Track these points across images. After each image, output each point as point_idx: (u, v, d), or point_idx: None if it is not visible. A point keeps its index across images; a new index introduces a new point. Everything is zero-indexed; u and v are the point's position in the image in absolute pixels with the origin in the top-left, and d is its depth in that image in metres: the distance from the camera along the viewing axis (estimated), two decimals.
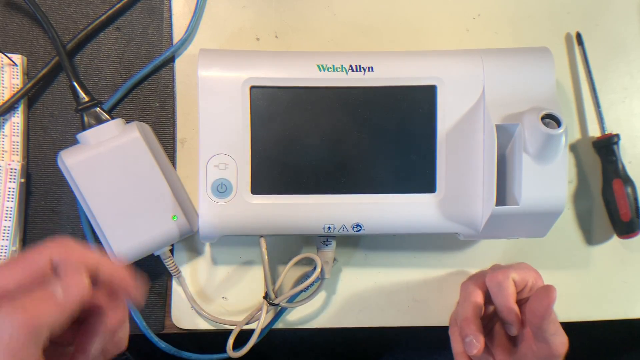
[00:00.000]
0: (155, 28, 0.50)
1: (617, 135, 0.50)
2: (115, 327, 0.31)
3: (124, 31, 0.49)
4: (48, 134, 0.49)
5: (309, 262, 0.49)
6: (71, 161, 0.44)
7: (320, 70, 0.43)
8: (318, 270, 0.46)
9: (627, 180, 0.49)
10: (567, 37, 0.52)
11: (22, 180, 0.47)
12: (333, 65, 0.43)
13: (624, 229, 0.50)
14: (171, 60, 0.50)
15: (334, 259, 0.49)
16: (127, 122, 0.46)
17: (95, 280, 0.30)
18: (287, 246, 0.50)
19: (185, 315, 0.49)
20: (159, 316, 0.49)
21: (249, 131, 0.43)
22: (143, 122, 0.48)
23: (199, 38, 0.50)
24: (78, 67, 0.49)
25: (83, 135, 0.45)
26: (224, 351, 0.47)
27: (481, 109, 0.43)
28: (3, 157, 0.47)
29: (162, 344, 0.48)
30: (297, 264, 0.48)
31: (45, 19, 0.47)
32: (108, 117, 0.46)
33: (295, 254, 0.48)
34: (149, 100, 0.49)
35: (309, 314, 0.51)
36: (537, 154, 0.41)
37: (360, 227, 0.45)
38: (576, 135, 0.52)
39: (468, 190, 0.44)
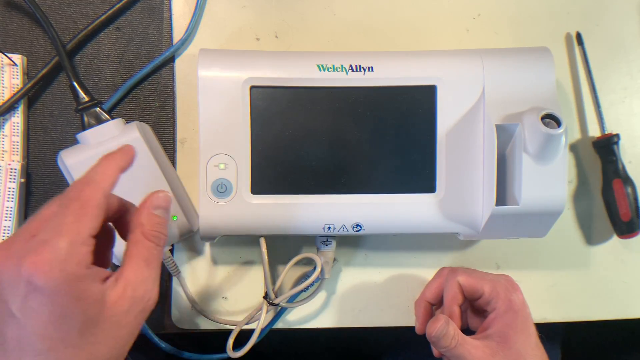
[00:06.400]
0: (155, 28, 0.50)
1: (617, 135, 0.50)
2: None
3: (124, 31, 0.49)
4: (48, 134, 0.49)
5: (309, 262, 0.49)
6: (71, 161, 0.44)
7: (320, 70, 0.43)
8: (318, 270, 0.46)
9: (627, 180, 0.49)
10: (567, 37, 0.52)
11: (22, 180, 0.47)
12: (333, 65, 0.43)
13: (624, 229, 0.50)
14: (171, 60, 0.50)
15: (334, 259, 0.49)
16: (127, 122, 0.46)
17: None
18: (287, 246, 0.50)
19: (185, 315, 0.49)
20: (159, 316, 0.49)
21: (249, 131, 0.43)
22: (143, 122, 0.48)
23: (199, 38, 0.50)
24: (78, 67, 0.49)
25: (83, 135, 0.45)
26: (224, 351, 0.47)
27: (481, 109, 0.43)
28: (3, 157, 0.47)
29: (163, 344, 0.48)
30: (297, 264, 0.48)
31: (45, 19, 0.47)
32: (108, 117, 0.46)
33: (295, 254, 0.48)
34: (149, 100, 0.49)
35: (309, 314, 0.51)
36: (537, 154, 0.41)
37: (360, 227, 0.45)
38: (576, 135, 0.52)
39: (468, 190, 0.44)
